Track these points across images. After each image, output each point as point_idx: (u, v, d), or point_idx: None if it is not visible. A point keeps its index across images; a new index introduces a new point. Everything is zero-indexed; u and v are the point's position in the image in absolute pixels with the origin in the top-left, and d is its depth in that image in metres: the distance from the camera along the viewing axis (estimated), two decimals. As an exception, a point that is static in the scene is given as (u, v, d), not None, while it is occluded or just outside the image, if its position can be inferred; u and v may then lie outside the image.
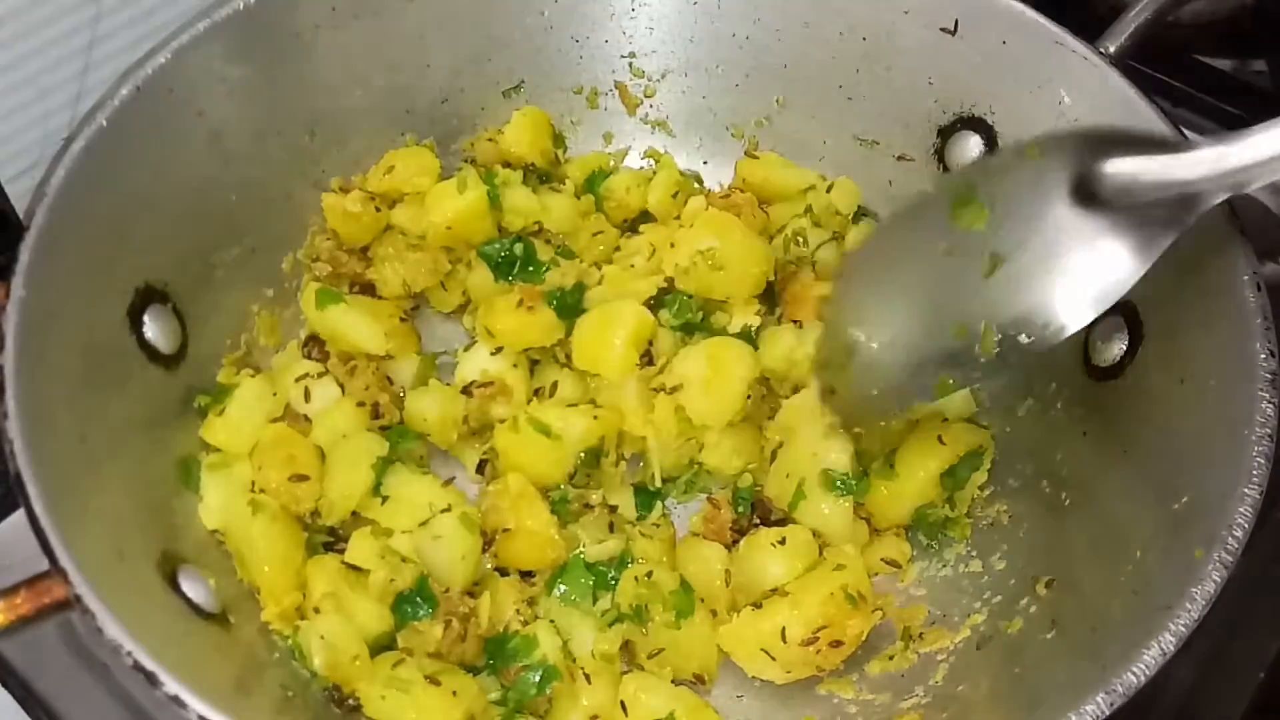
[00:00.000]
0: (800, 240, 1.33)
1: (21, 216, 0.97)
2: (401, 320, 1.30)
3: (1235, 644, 1.15)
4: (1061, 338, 1.00)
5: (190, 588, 1.01)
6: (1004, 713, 1.01)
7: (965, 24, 1.22)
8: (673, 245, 1.27)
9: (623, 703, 1.08)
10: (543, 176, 1.39)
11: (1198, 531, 0.90)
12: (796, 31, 1.34)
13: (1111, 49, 1.15)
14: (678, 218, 1.37)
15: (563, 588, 1.15)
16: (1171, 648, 0.85)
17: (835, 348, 1.17)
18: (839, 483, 1.17)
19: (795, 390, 1.26)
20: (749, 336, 1.29)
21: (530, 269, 1.31)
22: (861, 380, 1.14)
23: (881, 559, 1.21)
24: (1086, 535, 1.07)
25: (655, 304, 1.27)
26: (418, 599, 1.09)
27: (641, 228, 1.40)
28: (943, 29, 1.24)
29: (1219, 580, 0.87)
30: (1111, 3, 1.30)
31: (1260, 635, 1.17)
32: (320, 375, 1.24)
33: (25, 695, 1.09)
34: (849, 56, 1.32)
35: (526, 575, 1.18)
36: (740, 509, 1.22)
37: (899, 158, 1.35)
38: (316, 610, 1.06)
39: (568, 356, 1.27)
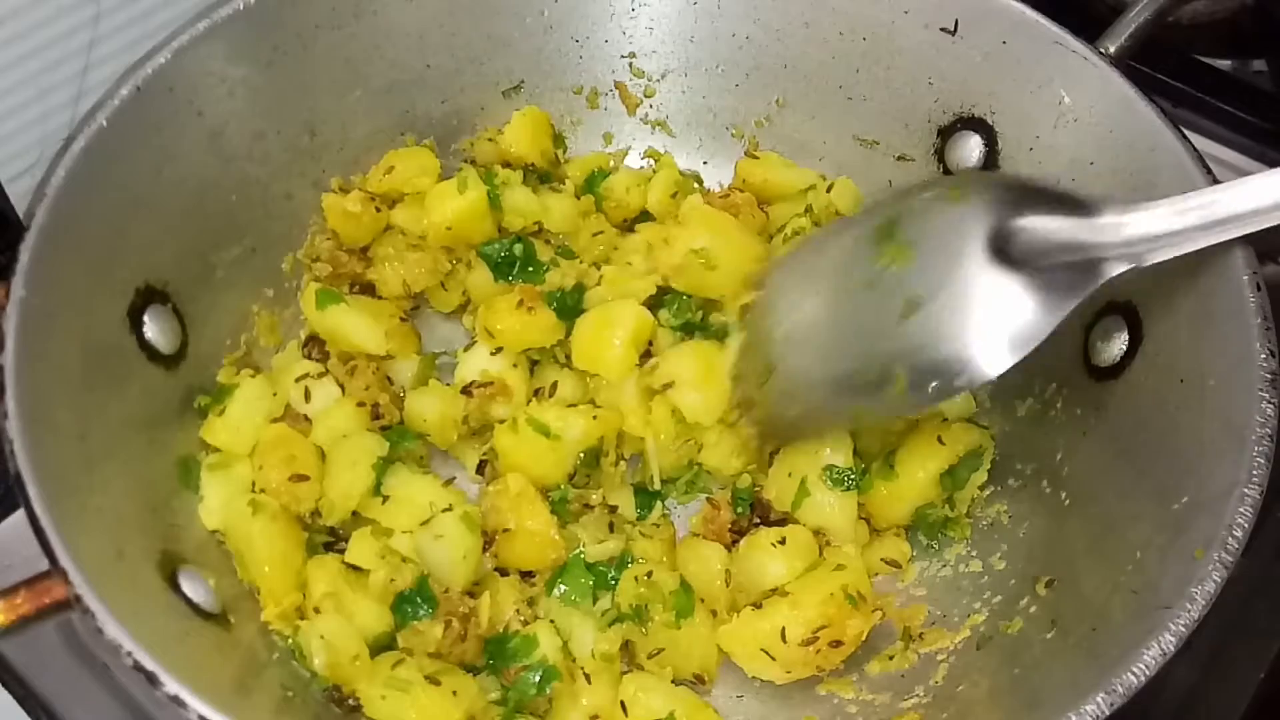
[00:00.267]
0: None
1: (21, 216, 0.97)
2: (401, 320, 1.30)
3: (1235, 644, 1.15)
4: (968, 389, 1.04)
5: (190, 588, 1.01)
6: (1004, 713, 1.01)
7: (965, 24, 1.22)
8: (666, 241, 1.27)
9: (623, 703, 1.08)
10: (543, 176, 1.39)
11: (1198, 531, 0.90)
12: (796, 31, 1.34)
13: (1111, 49, 1.15)
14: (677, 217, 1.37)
15: (563, 588, 1.15)
16: (1171, 648, 0.85)
17: (754, 361, 1.18)
18: (842, 478, 1.17)
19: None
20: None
21: (530, 269, 1.31)
22: (779, 400, 1.16)
23: (881, 559, 1.21)
24: (1086, 535, 1.07)
25: (655, 304, 1.27)
26: (418, 599, 1.09)
27: (638, 226, 1.40)
28: (943, 29, 1.24)
29: (1219, 580, 0.87)
30: (1111, 3, 1.30)
31: (1260, 635, 1.17)
32: (320, 375, 1.24)
33: (25, 695, 1.09)
34: (849, 56, 1.32)
35: (526, 575, 1.18)
36: (740, 509, 1.22)
37: (899, 158, 1.35)
38: (316, 610, 1.06)
39: (568, 356, 1.27)
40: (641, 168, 1.47)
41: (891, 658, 1.14)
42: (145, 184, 1.09)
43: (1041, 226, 0.99)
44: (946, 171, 1.30)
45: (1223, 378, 0.97)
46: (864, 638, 1.11)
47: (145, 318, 1.09)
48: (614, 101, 1.46)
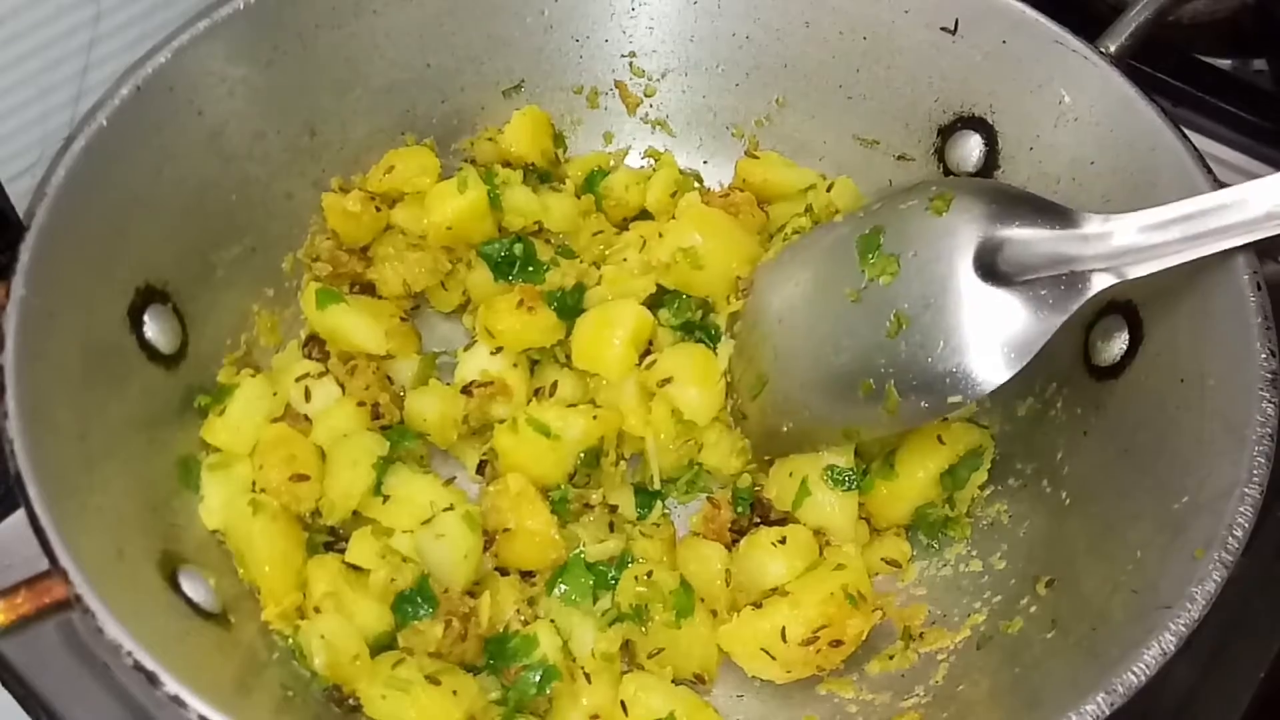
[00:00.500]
0: (800, 240, 1.33)
1: (21, 216, 0.97)
2: (401, 320, 1.30)
3: (1235, 644, 1.15)
4: (961, 407, 1.04)
5: (190, 588, 1.01)
6: (1004, 712, 1.01)
7: (965, 23, 1.22)
8: (660, 235, 1.27)
9: (623, 703, 1.08)
10: (543, 176, 1.39)
11: (1198, 531, 0.90)
12: (796, 31, 1.34)
13: (1111, 49, 1.15)
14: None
15: (563, 588, 1.15)
16: (1171, 648, 0.85)
17: (746, 373, 1.18)
18: (842, 478, 1.17)
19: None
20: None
21: (530, 269, 1.31)
22: (771, 414, 1.16)
23: (881, 559, 1.21)
24: (1086, 535, 1.07)
25: (655, 303, 1.27)
26: (418, 599, 1.10)
27: (632, 224, 1.40)
28: (943, 28, 1.24)
29: (1219, 580, 0.87)
30: (1112, 2, 1.30)
31: (1260, 635, 1.17)
32: (320, 375, 1.24)
33: (25, 695, 1.09)
34: (849, 56, 1.32)
35: (527, 575, 1.18)
36: (740, 509, 1.22)
37: (899, 157, 1.35)
38: (317, 610, 1.06)
39: (568, 356, 1.27)
40: (642, 167, 1.47)
41: (892, 657, 1.14)
42: (145, 183, 1.09)
43: (1026, 239, 1.00)
44: (947, 171, 1.30)
45: (1223, 377, 0.97)
46: (864, 637, 1.11)
47: (145, 317, 1.09)
48: (614, 101, 1.46)
